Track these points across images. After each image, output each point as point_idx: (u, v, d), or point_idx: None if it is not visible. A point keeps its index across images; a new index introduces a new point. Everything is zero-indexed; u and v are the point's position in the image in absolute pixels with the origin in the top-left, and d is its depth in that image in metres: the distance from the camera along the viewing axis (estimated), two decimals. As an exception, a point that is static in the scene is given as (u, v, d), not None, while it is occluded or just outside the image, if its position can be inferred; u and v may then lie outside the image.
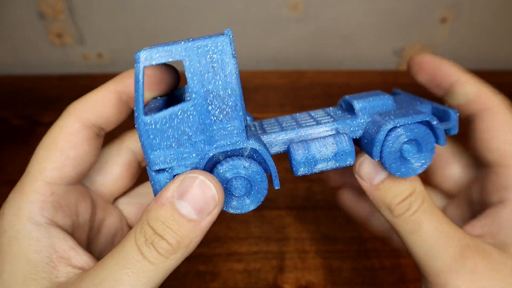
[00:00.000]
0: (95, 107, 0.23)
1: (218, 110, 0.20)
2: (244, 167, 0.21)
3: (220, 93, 0.20)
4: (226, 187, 0.21)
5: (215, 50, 0.19)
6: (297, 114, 0.26)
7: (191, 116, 0.20)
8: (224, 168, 0.21)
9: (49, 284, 0.19)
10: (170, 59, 0.19)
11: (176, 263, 0.19)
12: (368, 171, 0.23)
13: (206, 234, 0.42)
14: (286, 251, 0.41)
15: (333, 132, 0.23)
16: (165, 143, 0.20)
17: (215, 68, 0.19)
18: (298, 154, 0.22)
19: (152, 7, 0.63)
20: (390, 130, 0.22)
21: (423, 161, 0.23)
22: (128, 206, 0.28)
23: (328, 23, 0.66)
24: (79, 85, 0.64)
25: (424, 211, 0.22)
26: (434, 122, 0.22)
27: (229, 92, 0.20)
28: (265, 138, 0.22)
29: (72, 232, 0.22)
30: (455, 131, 0.24)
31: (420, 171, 0.23)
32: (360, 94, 0.25)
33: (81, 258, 0.21)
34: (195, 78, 0.20)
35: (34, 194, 0.21)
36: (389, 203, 0.23)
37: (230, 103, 0.20)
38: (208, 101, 0.20)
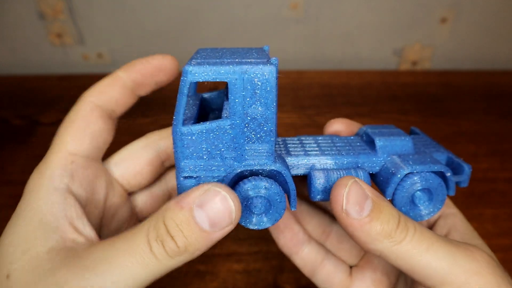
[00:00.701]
0: (104, 91, 0.26)
1: (253, 133, 0.22)
2: (265, 187, 0.22)
3: (258, 118, 0.21)
4: (247, 204, 0.22)
5: (261, 78, 0.20)
6: (320, 137, 0.27)
7: (226, 134, 0.21)
8: (246, 187, 0.22)
9: (56, 244, 0.20)
10: (217, 79, 0.20)
11: (178, 264, 0.20)
12: (355, 205, 0.21)
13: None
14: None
15: (354, 165, 0.24)
16: (197, 154, 0.22)
17: (257, 94, 0.20)
18: (319, 183, 0.23)
19: (152, 7, 0.63)
20: (407, 175, 0.23)
21: (431, 209, 0.24)
22: (142, 196, 0.29)
23: (328, 23, 0.66)
24: (79, 85, 0.64)
25: (420, 226, 0.22)
26: (448, 174, 0.24)
27: (266, 119, 0.21)
28: (289, 160, 0.24)
29: (84, 205, 0.23)
30: (465, 184, 0.25)
31: (426, 218, 0.24)
32: (382, 130, 0.26)
33: (84, 229, 0.22)
34: (237, 100, 0.20)
35: (57, 162, 0.23)
36: (389, 231, 0.21)
37: (265, 128, 0.21)
38: (245, 124, 0.21)
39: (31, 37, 0.66)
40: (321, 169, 0.24)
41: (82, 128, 0.24)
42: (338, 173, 0.23)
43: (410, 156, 0.24)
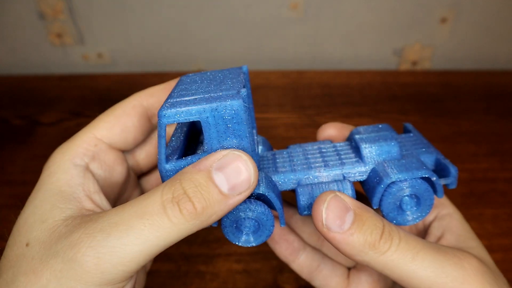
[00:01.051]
0: (154, 94, 0.27)
1: None
2: (250, 210, 0.23)
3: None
4: (237, 225, 0.23)
5: (230, 112, 0.21)
6: (309, 147, 0.28)
7: None
8: (234, 210, 0.22)
9: (73, 213, 0.21)
10: (190, 119, 0.21)
11: (192, 230, 0.19)
12: (335, 220, 0.21)
13: (206, 235, 0.43)
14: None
15: (339, 177, 0.25)
16: None
17: (230, 127, 0.21)
18: (303, 200, 0.24)
19: (152, 7, 0.63)
20: (393, 182, 0.23)
21: (419, 214, 0.24)
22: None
23: (328, 23, 0.66)
24: (79, 85, 0.64)
25: (406, 234, 0.22)
26: (434, 179, 0.23)
27: (242, 149, 0.21)
28: (276, 177, 0.25)
29: (101, 185, 0.24)
30: (453, 186, 0.25)
31: (413, 223, 0.24)
32: (369, 135, 0.26)
33: (101, 202, 0.23)
34: (211, 135, 0.21)
35: (80, 142, 0.24)
36: (373, 242, 0.21)
37: None
38: None
39: (31, 37, 0.66)
40: (306, 185, 0.24)
41: (116, 118, 0.25)
42: (322, 187, 0.24)
43: (396, 162, 0.24)
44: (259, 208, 0.23)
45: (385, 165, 0.24)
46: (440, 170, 0.25)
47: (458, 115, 0.59)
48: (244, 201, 0.23)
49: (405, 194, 0.24)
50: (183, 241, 0.42)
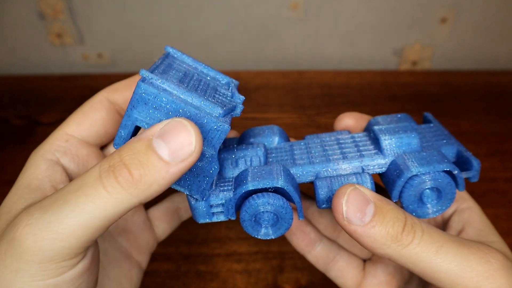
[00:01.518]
0: (119, 89, 0.28)
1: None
2: (269, 203, 0.23)
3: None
4: (255, 218, 0.24)
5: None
6: (327, 138, 0.27)
7: (205, 170, 0.24)
8: (253, 203, 0.23)
9: (33, 202, 0.22)
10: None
11: (132, 201, 0.18)
12: (355, 212, 0.21)
13: (206, 234, 0.43)
14: (286, 251, 0.41)
15: (358, 170, 0.24)
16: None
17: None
18: (322, 193, 0.24)
19: (152, 7, 0.63)
20: (414, 175, 0.23)
21: (440, 207, 0.24)
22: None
23: (328, 23, 0.66)
24: (79, 85, 0.64)
25: (429, 227, 0.21)
26: (455, 172, 0.23)
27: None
28: (294, 170, 0.25)
29: (74, 178, 0.24)
30: (475, 179, 0.25)
31: (433, 216, 0.24)
32: (389, 126, 0.25)
33: None
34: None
35: (52, 139, 0.25)
36: (395, 234, 0.20)
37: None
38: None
39: (31, 37, 0.66)
40: (325, 177, 0.24)
41: (84, 114, 0.26)
42: (341, 180, 0.24)
43: (417, 154, 0.24)
44: (278, 202, 0.23)
45: (405, 157, 0.24)
46: (461, 163, 0.25)
47: (458, 115, 0.59)
48: (263, 195, 0.23)
49: (426, 187, 0.23)
50: (183, 241, 0.42)
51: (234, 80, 0.26)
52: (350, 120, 0.29)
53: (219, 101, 0.23)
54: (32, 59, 0.69)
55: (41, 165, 0.24)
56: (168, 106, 0.20)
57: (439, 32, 0.67)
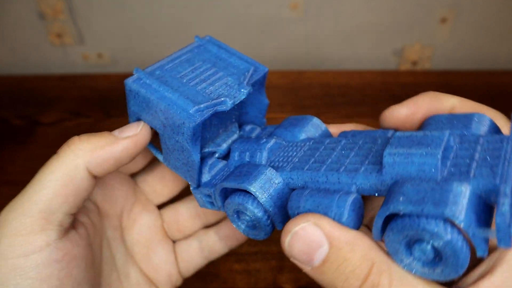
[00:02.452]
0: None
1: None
2: (246, 210, 0.22)
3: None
4: (238, 215, 0.23)
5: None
6: (327, 141, 0.23)
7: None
8: (230, 201, 0.23)
9: None
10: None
11: (80, 161, 0.22)
12: (302, 250, 0.17)
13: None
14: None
15: (350, 187, 0.19)
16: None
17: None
18: (289, 207, 0.20)
19: (152, 7, 0.63)
20: (397, 214, 0.17)
21: (440, 272, 0.16)
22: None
23: (328, 23, 0.66)
24: (79, 85, 0.64)
25: (403, 277, 0.17)
26: (461, 225, 0.15)
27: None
28: (284, 174, 0.22)
29: None
30: (507, 244, 0.15)
31: (429, 279, 0.17)
32: (412, 136, 0.19)
33: None
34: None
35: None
36: (347, 286, 0.17)
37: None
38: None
39: (31, 37, 0.66)
40: (306, 189, 0.20)
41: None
42: (316, 198, 0.19)
43: (419, 184, 0.17)
44: (253, 209, 0.22)
45: (402, 186, 0.17)
46: (484, 211, 0.16)
47: (458, 115, 0.59)
48: (240, 195, 0.22)
49: (413, 238, 0.16)
50: (183, 241, 0.42)
51: (260, 67, 0.27)
52: (404, 110, 0.23)
53: (207, 95, 0.23)
54: (32, 59, 0.69)
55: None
56: (146, 102, 0.23)
57: (439, 32, 0.67)
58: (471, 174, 0.17)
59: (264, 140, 0.25)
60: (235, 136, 0.28)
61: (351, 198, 0.18)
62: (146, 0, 0.63)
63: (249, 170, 0.22)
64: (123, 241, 0.28)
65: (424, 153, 0.17)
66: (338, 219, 0.18)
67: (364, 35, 0.67)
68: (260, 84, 0.27)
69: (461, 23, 0.66)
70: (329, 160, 0.21)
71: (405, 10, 0.64)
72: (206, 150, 0.26)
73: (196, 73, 0.25)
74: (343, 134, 0.25)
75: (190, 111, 0.22)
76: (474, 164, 0.17)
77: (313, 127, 0.26)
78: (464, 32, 0.67)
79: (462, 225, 0.15)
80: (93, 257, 0.24)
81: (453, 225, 0.15)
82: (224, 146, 0.27)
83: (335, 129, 0.26)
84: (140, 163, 0.29)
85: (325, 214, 0.18)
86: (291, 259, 0.19)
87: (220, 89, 0.24)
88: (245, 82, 0.25)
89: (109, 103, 0.60)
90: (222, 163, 0.26)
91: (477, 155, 0.18)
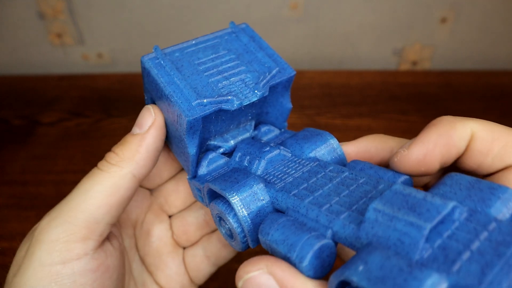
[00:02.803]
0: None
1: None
2: (224, 219, 0.22)
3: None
4: (220, 219, 0.23)
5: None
6: (330, 168, 0.21)
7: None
8: (212, 205, 0.22)
9: None
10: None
11: (126, 171, 0.22)
12: None
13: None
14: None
15: (325, 231, 0.17)
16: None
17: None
18: (262, 227, 0.19)
19: (152, 7, 0.63)
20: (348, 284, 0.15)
21: None
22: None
23: (328, 23, 0.66)
24: (79, 85, 0.64)
25: None
26: None
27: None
28: (271, 192, 0.20)
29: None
30: None
31: None
32: (453, 191, 0.17)
33: None
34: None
35: None
36: None
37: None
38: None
39: (31, 37, 0.66)
40: (281, 216, 0.19)
41: None
42: (282, 232, 0.17)
43: (388, 261, 0.14)
44: (235, 228, 0.21)
45: (370, 253, 0.15)
46: None
47: (458, 115, 0.58)
48: (222, 202, 0.21)
49: None
50: (183, 241, 0.41)
51: (286, 69, 0.24)
52: (413, 156, 0.19)
53: (217, 89, 0.22)
54: (32, 59, 0.69)
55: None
56: (155, 83, 0.22)
57: (439, 32, 0.67)
58: (456, 267, 0.14)
59: (268, 148, 0.23)
60: (247, 135, 0.26)
61: (319, 244, 0.16)
62: (146, 0, 0.63)
63: (238, 177, 0.21)
64: (137, 250, 0.28)
65: (411, 222, 0.15)
66: (298, 262, 0.16)
67: (364, 35, 0.67)
68: (283, 87, 0.25)
69: (461, 23, 0.66)
70: (320, 191, 0.19)
71: (405, 10, 0.64)
72: (211, 143, 0.25)
73: (216, 63, 0.24)
74: (353, 164, 0.21)
75: (192, 104, 0.21)
76: (466, 255, 0.14)
77: (326, 148, 0.23)
78: (464, 32, 0.67)
79: None
80: (124, 268, 0.24)
81: None
82: (232, 142, 0.26)
83: (352, 147, 0.23)
84: (165, 175, 0.29)
85: (288, 252, 0.17)
86: None
87: (233, 86, 0.23)
88: (261, 84, 0.23)
89: (109, 103, 0.60)
90: (223, 160, 0.25)
91: (476, 244, 0.14)
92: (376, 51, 0.69)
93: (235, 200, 0.20)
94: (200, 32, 0.68)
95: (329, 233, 0.17)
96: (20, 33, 0.66)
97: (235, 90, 0.22)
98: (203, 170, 0.24)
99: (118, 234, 0.25)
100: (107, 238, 0.23)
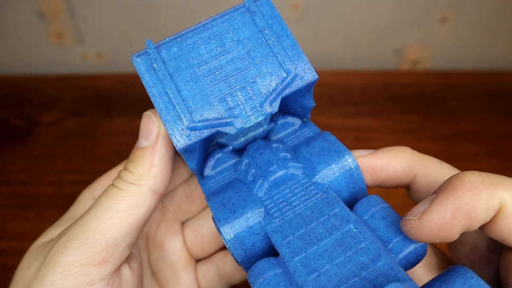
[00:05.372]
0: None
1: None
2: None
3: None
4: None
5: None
6: (335, 210, 0.18)
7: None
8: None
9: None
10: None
11: (145, 188, 0.21)
12: None
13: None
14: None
15: None
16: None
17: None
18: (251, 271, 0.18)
19: (152, 7, 0.63)
20: None
21: None
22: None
23: (328, 23, 0.66)
24: (79, 85, 0.64)
25: None
26: None
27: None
28: (268, 228, 0.19)
29: None
30: None
31: None
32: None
33: None
34: None
35: (102, 178, 0.26)
36: None
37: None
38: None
39: (30, 37, 0.66)
40: (270, 267, 0.17)
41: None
42: (266, 286, 0.17)
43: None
44: (230, 249, 0.19)
45: None
46: None
47: (458, 115, 0.59)
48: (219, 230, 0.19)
49: None
50: (183, 241, 0.41)
51: (307, 73, 0.19)
52: (439, 221, 0.16)
53: (226, 105, 0.19)
54: (31, 59, 0.68)
55: (88, 203, 0.25)
56: (146, 89, 0.20)
57: (439, 32, 0.67)
58: None
59: (274, 167, 0.20)
60: (260, 130, 0.22)
61: None
62: (146, 0, 0.63)
63: (236, 204, 0.19)
64: (149, 264, 0.28)
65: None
66: None
67: (364, 35, 0.67)
68: (305, 90, 0.21)
69: (461, 23, 0.66)
70: (314, 247, 0.17)
71: (405, 10, 0.64)
72: (219, 140, 0.22)
73: (220, 63, 0.19)
74: (365, 205, 0.19)
75: (183, 127, 0.18)
76: None
77: (341, 171, 0.20)
78: (464, 32, 0.67)
79: None
80: None
81: None
82: (242, 139, 0.22)
83: (370, 160, 0.20)
84: (176, 181, 0.28)
85: None
86: None
87: (236, 98, 0.19)
88: (271, 97, 0.19)
89: (109, 103, 0.60)
90: (231, 161, 0.22)
91: None
92: (376, 51, 0.69)
93: (228, 236, 0.18)
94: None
95: None
96: (19, 32, 0.66)
97: (238, 106, 0.19)
98: (209, 171, 0.22)
99: (138, 255, 0.25)
100: (126, 260, 0.22)
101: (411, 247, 0.17)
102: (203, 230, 0.28)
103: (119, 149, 0.52)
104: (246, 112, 0.19)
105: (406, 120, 0.57)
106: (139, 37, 0.66)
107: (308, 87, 0.20)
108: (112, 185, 0.21)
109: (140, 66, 0.19)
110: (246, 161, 0.21)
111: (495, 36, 0.68)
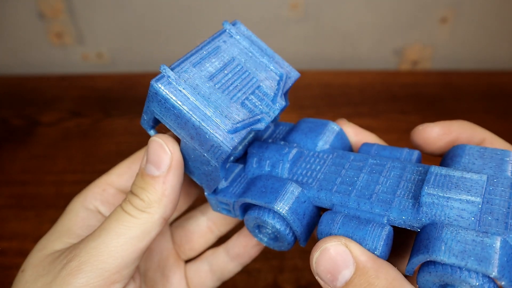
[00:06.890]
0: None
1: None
2: (266, 222, 0.22)
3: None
4: (259, 228, 0.23)
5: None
6: (352, 157, 0.23)
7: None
8: (252, 215, 0.22)
9: (65, 246, 0.23)
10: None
11: (157, 217, 0.21)
12: (325, 273, 0.18)
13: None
14: (286, 251, 0.41)
15: (381, 219, 0.19)
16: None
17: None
18: (321, 228, 0.20)
19: (152, 7, 0.63)
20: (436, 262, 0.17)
21: None
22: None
23: (328, 23, 0.66)
24: (79, 85, 0.64)
25: None
26: (502, 283, 0.16)
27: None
28: (310, 193, 0.22)
29: None
30: None
31: None
32: (469, 163, 0.20)
33: None
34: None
35: (92, 187, 0.26)
36: None
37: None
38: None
39: (30, 37, 0.66)
40: (336, 213, 0.20)
41: (127, 166, 0.27)
42: (348, 226, 0.19)
43: (461, 233, 0.17)
44: (275, 224, 0.21)
45: (444, 232, 0.17)
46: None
47: (458, 115, 0.58)
48: (261, 210, 0.22)
49: (449, 283, 0.17)
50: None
51: (292, 72, 0.24)
52: (436, 130, 0.23)
53: (247, 107, 0.21)
54: (31, 59, 0.69)
55: (80, 213, 0.25)
56: (175, 111, 0.20)
57: (439, 32, 0.67)
58: (509, 227, 0.17)
59: (287, 149, 0.23)
60: (250, 136, 0.25)
61: (385, 232, 0.19)
62: (146, 0, 0.63)
63: (274, 186, 0.22)
64: (138, 267, 0.28)
65: (464, 199, 0.18)
66: (371, 251, 0.18)
67: (364, 35, 0.67)
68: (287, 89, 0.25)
69: (461, 23, 0.66)
70: (358, 183, 0.21)
71: (405, 10, 0.64)
72: None
73: (228, 77, 0.22)
74: (366, 148, 0.24)
75: (225, 132, 0.20)
76: (511, 215, 0.18)
77: (332, 134, 0.24)
78: (464, 32, 0.67)
79: (503, 284, 0.16)
80: None
81: (492, 280, 0.16)
82: (240, 148, 0.25)
83: (351, 130, 0.25)
84: (182, 207, 0.29)
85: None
86: (316, 277, 0.19)
87: (253, 101, 0.22)
88: (279, 95, 0.22)
89: (109, 103, 0.60)
90: (238, 168, 0.24)
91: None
92: (376, 51, 0.69)
93: (284, 210, 0.21)
94: (200, 32, 0.68)
95: (385, 220, 0.19)
96: (20, 33, 0.66)
97: (256, 106, 0.22)
98: (222, 183, 0.24)
99: (137, 269, 0.25)
100: (132, 276, 0.23)
101: (415, 154, 0.22)
102: (191, 227, 0.29)
103: (119, 149, 0.52)
104: (264, 110, 0.22)
105: (406, 120, 0.57)
106: (139, 37, 0.66)
107: (292, 84, 0.24)
108: (123, 209, 0.21)
109: (163, 89, 0.20)
110: (255, 159, 0.23)
111: (495, 36, 0.68)
